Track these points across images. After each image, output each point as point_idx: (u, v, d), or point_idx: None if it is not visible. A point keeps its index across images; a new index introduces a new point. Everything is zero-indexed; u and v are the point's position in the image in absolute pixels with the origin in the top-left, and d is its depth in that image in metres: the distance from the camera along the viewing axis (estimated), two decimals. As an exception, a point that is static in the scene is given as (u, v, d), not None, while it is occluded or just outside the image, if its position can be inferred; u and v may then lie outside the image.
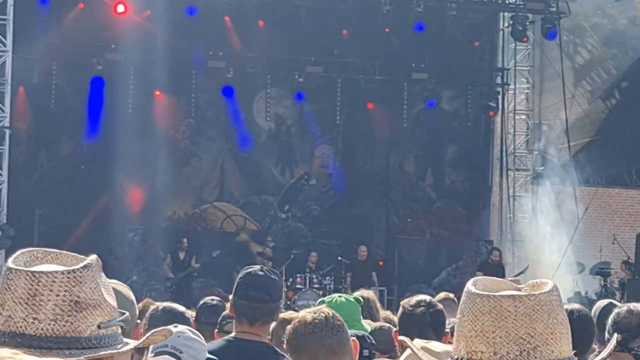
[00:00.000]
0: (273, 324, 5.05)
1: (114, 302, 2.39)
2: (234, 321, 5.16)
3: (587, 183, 23.67)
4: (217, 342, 5.19)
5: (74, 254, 2.43)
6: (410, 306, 5.39)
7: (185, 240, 20.37)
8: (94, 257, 2.41)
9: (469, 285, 2.43)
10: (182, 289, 19.20)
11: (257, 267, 5.15)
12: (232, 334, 5.08)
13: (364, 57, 22.37)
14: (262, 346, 4.97)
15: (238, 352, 4.94)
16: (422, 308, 5.35)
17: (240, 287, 4.97)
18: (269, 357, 4.95)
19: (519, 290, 2.47)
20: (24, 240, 18.94)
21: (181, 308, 5.85)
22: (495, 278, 2.53)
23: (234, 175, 22.59)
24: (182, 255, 20.21)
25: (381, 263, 21.63)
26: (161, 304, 5.81)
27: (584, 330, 5.01)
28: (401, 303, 5.59)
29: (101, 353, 2.32)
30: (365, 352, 4.78)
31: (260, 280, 4.97)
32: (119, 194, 21.55)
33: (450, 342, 5.28)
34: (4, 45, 19.18)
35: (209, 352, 4.88)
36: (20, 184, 20.28)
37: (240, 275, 5.08)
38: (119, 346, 2.37)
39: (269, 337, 5.06)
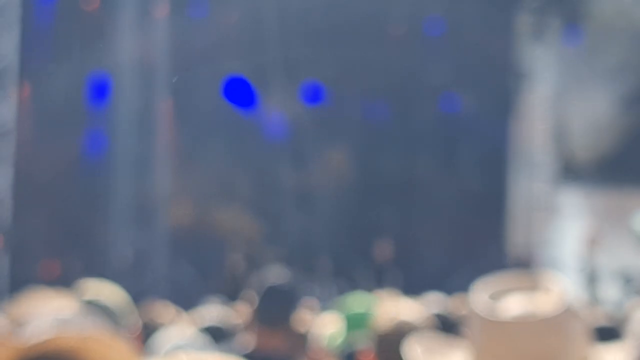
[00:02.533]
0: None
1: None
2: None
3: (606, 187, 23.73)
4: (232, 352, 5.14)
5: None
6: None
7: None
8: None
9: (478, 302, 2.41)
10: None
11: (280, 275, 5.34)
12: (249, 344, 5.09)
13: (378, 59, 22.20)
14: (277, 354, 4.97)
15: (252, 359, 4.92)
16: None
17: (261, 293, 5.07)
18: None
19: (528, 285, 2.43)
20: (30, 243, 19.18)
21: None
22: (497, 277, 2.50)
23: (243, 178, 22.54)
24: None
25: None
26: None
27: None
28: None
29: None
30: None
31: (284, 287, 5.11)
32: (124, 196, 21.40)
33: None
34: (10, 44, 19.20)
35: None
36: (25, 186, 20.19)
37: (263, 280, 5.20)
38: None
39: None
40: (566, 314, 2.34)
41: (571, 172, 23.63)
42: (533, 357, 2.29)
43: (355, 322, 5.44)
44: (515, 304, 2.40)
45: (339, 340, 5.43)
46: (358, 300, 5.74)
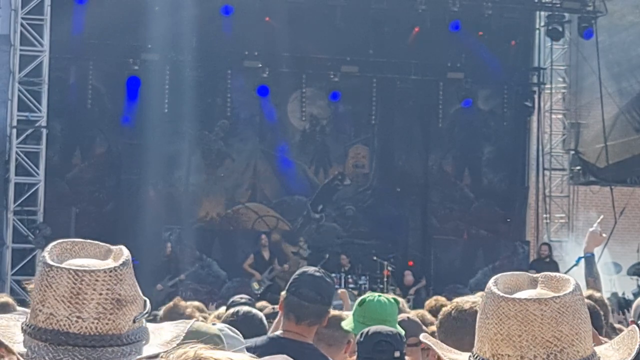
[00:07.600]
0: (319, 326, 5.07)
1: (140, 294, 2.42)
2: (280, 318, 5.19)
3: (624, 183, 23.46)
4: (261, 339, 5.20)
5: (98, 243, 2.49)
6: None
7: (264, 236, 20.89)
8: (126, 251, 2.45)
9: (492, 286, 2.42)
10: (275, 289, 18.57)
11: (314, 268, 5.20)
12: (278, 332, 5.11)
13: (399, 57, 22.31)
14: (305, 347, 4.96)
15: (280, 350, 4.77)
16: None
17: (294, 284, 5.01)
18: (311, 358, 4.96)
19: (537, 282, 2.47)
20: (60, 239, 19.03)
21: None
22: (513, 272, 2.52)
23: (267, 176, 22.55)
24: (266, 255, 20.53)
25: (410, 263, 21.65)
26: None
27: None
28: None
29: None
30: (397, 354, 4.80)
31: (315, 280, 5.01)
32: (153, 193, 21.58)
33: None
34: (41, 45, 19.28)
35: (252, 349, 4.86)
36: (55, 183, 20.38)
37: (296, 273, 5.13)
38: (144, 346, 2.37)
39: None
40: (578, 295, 2.36)
41: (589, 168, 23.43)
42: (549, 336, 2.31)
43: (375, 319, 5.31)
44: (530, 289, 2.42)
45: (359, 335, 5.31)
46: (378, 297, 5.63)
